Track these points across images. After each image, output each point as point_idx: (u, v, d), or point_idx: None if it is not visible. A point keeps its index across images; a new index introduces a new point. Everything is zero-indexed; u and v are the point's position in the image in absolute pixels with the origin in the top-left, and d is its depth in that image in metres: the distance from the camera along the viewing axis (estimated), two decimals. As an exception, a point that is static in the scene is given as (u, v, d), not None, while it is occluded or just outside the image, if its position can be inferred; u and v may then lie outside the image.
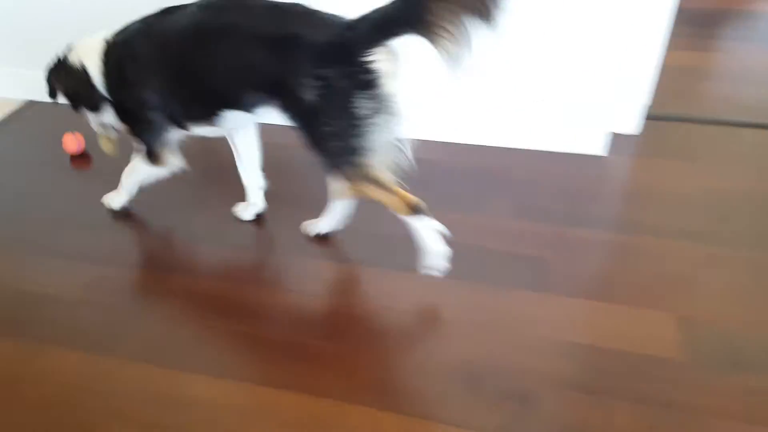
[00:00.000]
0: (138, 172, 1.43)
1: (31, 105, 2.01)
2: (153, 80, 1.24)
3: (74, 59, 1.32)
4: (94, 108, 1.37)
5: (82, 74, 1.30)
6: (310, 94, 1.08)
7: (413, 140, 1.17)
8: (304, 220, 1.41)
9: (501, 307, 1.21)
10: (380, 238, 1.37)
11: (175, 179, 1.44)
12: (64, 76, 1.36)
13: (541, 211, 1.47)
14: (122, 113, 1.34)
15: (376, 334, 1.18)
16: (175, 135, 1.35)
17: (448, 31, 0.98)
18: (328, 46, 1.06)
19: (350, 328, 1.18)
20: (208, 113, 1.24)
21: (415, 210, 1.17)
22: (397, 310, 1.23)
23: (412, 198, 1.16)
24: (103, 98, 1.33)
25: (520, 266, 1.31)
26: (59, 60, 1.37)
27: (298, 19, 1.10)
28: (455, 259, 1.25)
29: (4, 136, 1.86)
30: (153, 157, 1.37)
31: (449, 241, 1.24)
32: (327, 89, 1.07)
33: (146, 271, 1.35)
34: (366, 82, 1.06)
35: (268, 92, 1.15)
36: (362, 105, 1.07)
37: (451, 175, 1.62)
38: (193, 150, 1.45)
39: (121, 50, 1.26)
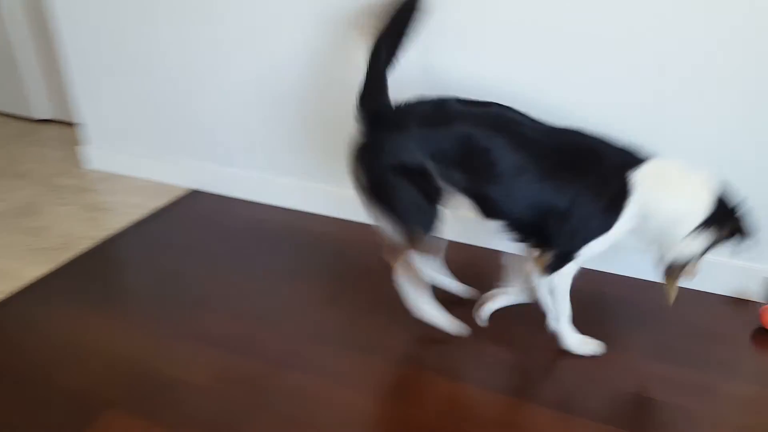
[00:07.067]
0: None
1: (195, 194, 2.27)
2: None
3: None
4: None
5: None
6: None
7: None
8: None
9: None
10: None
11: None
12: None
13: (685, 354, 1.37)
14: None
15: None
16: None
17: None
18: None
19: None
20: None
21: None
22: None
23: None
24: None
25: (661, 414, 1.21)
26: None
27: None
28: (591, 400, 1.19)
29: (166, 220, 2.10)
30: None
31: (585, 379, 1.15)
32: None
33: (273, 366, 1.39)
34: None
35: None
36: None
37: (587, 304, 1.53)
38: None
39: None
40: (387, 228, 1.34)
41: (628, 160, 1.21)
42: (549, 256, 1.26)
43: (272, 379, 1.35)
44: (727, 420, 1.21)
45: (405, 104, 1.31)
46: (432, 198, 1.29)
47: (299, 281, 1.72)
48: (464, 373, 1.36)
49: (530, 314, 1.41)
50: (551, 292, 1.30)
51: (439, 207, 1.30)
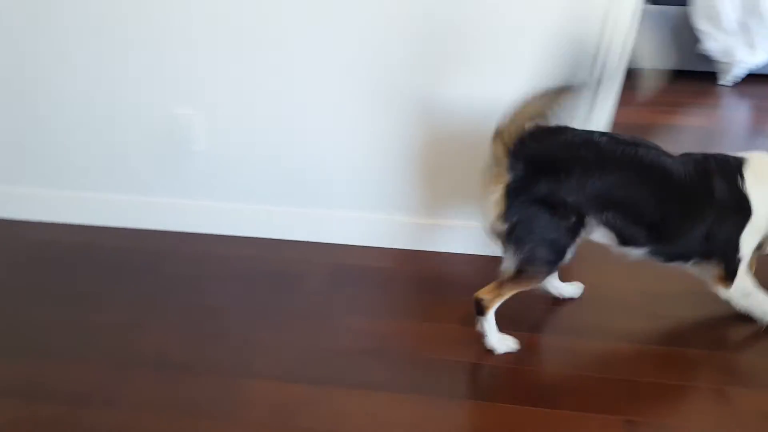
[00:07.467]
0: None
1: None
2: None
3: None
4: None
5: None
6: None
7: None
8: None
9: (450, 419, 1.21)
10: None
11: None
12: None
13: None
14: None
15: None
16: None
17: None
18: None
19: None
20: None
21: None
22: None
23: None
24: None
25: (462, 374, 1.33)
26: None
27: None
28: (396, 372, 1.27)
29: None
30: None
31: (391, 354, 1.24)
32: None
33: (70, 407, 1.24)
34: None
35: None
36: None
37: (393, 282, 1.64)
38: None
39: None
40: (505, 264, 1.30)
41: (720, 161, 1.32)
42: (721, 271, 1.37)
43: (70, 421, 1.21)
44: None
45: (559, 138, 1.25)
46: (570, 236, 1.27)
47: (99, 306, 1.56)
48: (290, 374, 1.34)
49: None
50: (746, 295, 1.41)
51: (570, 248, 1.28)
